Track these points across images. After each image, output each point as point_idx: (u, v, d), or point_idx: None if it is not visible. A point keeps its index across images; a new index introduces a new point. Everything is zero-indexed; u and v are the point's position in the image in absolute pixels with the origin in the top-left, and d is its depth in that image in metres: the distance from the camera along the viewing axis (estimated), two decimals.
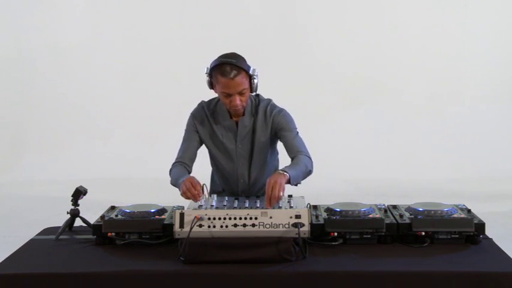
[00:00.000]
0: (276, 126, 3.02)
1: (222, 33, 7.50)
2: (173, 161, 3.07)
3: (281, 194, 2.59)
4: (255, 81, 2.88)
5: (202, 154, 3.18)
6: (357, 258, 2.44)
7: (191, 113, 3.11)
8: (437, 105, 7.64)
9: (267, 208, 2.53)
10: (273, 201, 2.56)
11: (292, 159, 2.95)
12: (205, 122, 3.06)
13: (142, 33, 7.70)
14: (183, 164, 3.02)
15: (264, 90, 3.24)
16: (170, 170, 3.03)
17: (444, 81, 7.66)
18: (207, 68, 2.89)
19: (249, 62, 2.90)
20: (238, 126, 3.03)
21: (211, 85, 2.91)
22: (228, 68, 2.80)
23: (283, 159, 3.15)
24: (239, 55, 2.88)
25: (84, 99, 7.72)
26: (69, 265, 2.45)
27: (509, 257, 2.46)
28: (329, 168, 6.70)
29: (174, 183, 2.92)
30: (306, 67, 7.49)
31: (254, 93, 2.98)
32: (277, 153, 3.24)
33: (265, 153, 3.08)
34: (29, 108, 7.78)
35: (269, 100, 3.08)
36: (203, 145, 3.13)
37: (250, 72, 2.86)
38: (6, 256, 2.57)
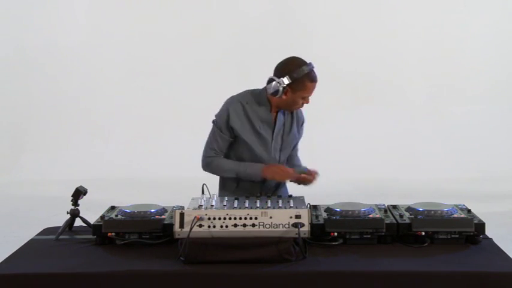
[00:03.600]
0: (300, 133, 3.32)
1: (222, 33, 7.51)
2: (201, 153, 3.19)
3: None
4: None
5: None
6: (357, 258, 2.44)
7: (227, 104, 3.14)
8: (437, 105, 7.64)
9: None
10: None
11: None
12: (242, 114, 3.11)
13: (142, 33, 7.70)
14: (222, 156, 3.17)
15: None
16: (209, 163, 3.15)
17: (444, 81, 7.66)
18: (290, 76, 2.98)
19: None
20: (275, 120, 3.16)
21: (284, 91, 3.01)
22: (314, 73, 3.05)
23: None
24: None
25: (84, 99, 7.72)
26: (69, 265, 2.44)
27: (509, 257, 2.46)
28: (329, 168, 6.66)
29: (236, 172, 3.12)
30: None
31: None
32: None
33: (289, 150, 3.28)
34: (28, 108, 7.77)
35: None
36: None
37: None
38: (6, 256, 2.57)
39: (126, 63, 7.70)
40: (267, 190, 3.17)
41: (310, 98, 3.12)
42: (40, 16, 7.69)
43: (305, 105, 3.14)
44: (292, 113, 3.22)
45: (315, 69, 3.05)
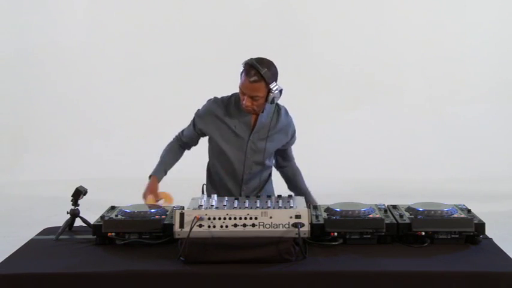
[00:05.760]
0: (290, 141, 3.32)
1: (221, 33, 7.51)
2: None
3: None
4: (271, 95, 3.02)
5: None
6: (357, 258, 2.44)
7: (207, 104, 3.24)
8: (437, 106, 7.64)
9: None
10: None
11: (286, 167, 3.39)
12: (221, 113, 3.18)
13: (141, 34, 7.70)
14: (180, 144, 3.38)
15: None
16: (170, 142, 3.43)
17: (444, 82, 7.66)
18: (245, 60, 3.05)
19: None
20: (255, 121, 3.17)
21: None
22: (252, 72, 2.97)
23: None
24: (273, 67, 3.02)
25: (84, 99, 7.72)
26: (69, 265, 2.44)
27: (509, 257, 2.46)
28: (329, 168, 6.71)
29: (160, 160, 3.40)
30: (305, 67, 7.48)
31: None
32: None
33: (272, 153, 3.27)
34: (28, 109, 7.77)
35: (285, 109, 3.26)
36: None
37: (271, 86, 3.00)
38: (6, 256, 2.57)
39: (126, 63, 7.70)
40: (249, 192, 3.24)
41: (258, 100, 3.03)
42: (40, 16, 7.68)
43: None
44: (278, 119, 3.21)
45: (258, 72, 2.94)
